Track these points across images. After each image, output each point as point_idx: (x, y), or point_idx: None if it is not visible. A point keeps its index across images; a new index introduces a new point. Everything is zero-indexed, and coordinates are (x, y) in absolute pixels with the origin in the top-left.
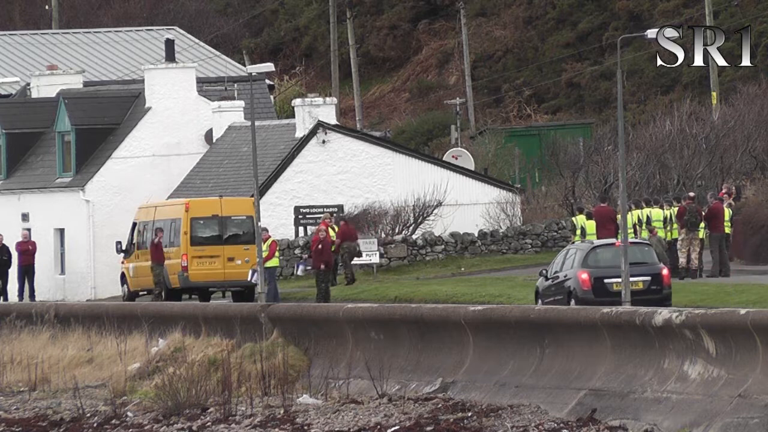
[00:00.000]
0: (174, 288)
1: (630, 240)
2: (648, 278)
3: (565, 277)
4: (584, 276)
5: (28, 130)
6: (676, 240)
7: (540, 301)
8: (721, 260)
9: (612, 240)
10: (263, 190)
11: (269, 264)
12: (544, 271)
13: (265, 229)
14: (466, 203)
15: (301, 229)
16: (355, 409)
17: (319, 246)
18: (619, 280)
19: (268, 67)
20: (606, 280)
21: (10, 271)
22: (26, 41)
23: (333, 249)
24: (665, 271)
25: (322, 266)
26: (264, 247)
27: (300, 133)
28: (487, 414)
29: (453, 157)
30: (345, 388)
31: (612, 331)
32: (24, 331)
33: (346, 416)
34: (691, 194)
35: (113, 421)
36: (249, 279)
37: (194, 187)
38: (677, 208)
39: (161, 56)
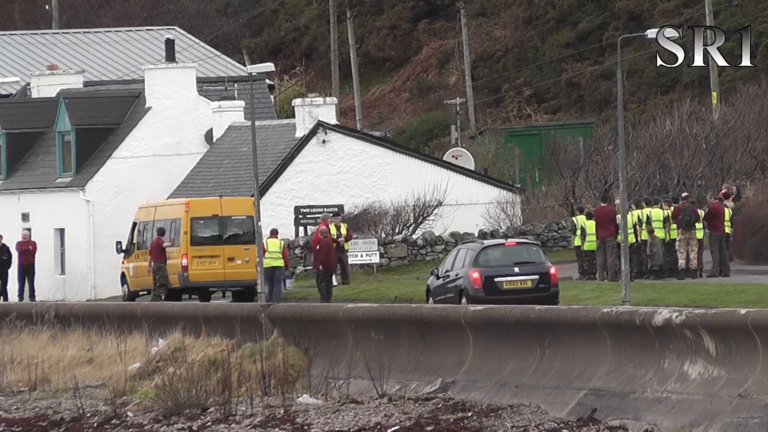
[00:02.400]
0: (174, 288)
1: (518, 240)
2: (536, 277)
3: (456, 276)
4: (475, 275)
5: (28, 130)
6: (675, 240)
7: (431, 300)
8: (721, 260)
9: (502, 240)
10: (263, 190)
11: (276, 264)
12: (435, 270)
13: (275, 231)
14: (466, 203)
15: (301, 229)
16: (355, 409)
17: (317, 247)
18: (509, 278)
19: (268, 67)
20: (496, 279)
21: (10, 271)
22: (26, 41)
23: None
24: (553, 270)
25: (320, 267)
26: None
27: (300, 133)
28: (487, 414)
29: (453, 157)
30: (345, 388)
31: (612, 331)
32: (24, 331)
33: (346, 416)
34: (684, 194)
35: (113, 421)
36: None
37: (194, 187)
38: (673, 209)
39: (161, 56)
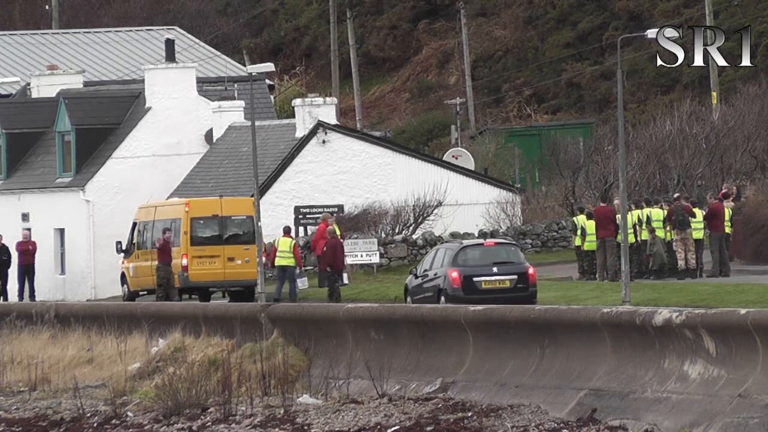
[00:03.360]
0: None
1: (496, 240)
2: (515, 277)
3: (435, 275)
4: (454, 274)
5: (28, 130)
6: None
7: (409, 299)
8: (721, 260)
9: (480, 240)
10: (263, 190)
11: (285, 263)
12: (414, 270)
13: (288, 229)
14: (466, 203)
15: (301, 229)
16: (355, 409)
17: (324, 248)
18: (488, 278)
19: (268, 67)
20: (475, 279)
21: (10, 271)
22: (26, 41)
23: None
24: (531, 270)
25: (327, 268)
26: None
27: (300, 133)
28: (487, 414)
29: (453, 157)
30: (345, 388)
31: (612, 331)
32: (24, 331)
33: (346, 416)
34: (677, 194)
35: (113, 421)
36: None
37: (194, 187)
38: (667, 210)
39: (161, 56)
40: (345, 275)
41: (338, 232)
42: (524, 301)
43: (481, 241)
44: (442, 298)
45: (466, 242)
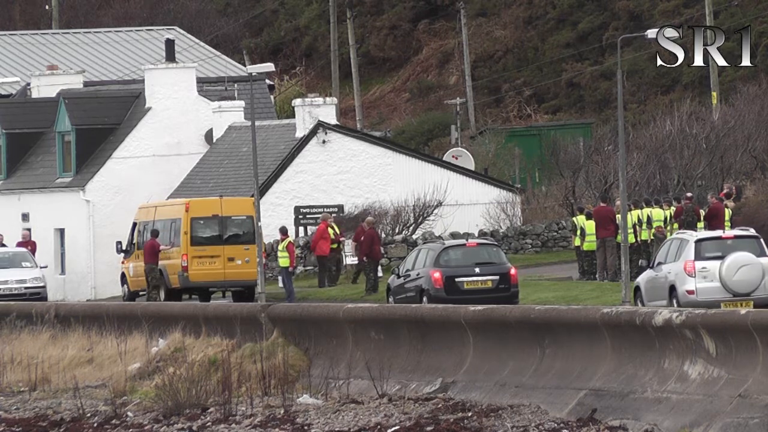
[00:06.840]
0: (174, 288)
1: (478, 240)
2: (497, 277)
3: (417, 275)
4: (437, 275)
5: (28, 130)
6: None
7: (392, 298)
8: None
9: (462, 240)
10: (263, 190)
11: (286, 264)
12: (396, 270)
13: (285, 229)
14: (466, 203)
15: (301, 229)
16: (355, 409)
17: (361, 239)
18: (470, 278)
19: (268, 67)
20: (457, 279)
21: None
22: (26, 41)
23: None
24: (513, 271)
25: (365, 258)
26: (281, 247)
27: (300, 133)
28: (487, 414)
29: (453, 157)
30: (345, 388)
31: (612, 331)
32: (24, 331)
33: (346, 416)
34: (689, 194)
35: (113, 421)
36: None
37: (194, 187)
38: (675, 208)
39: (161, 56)
40: (380, 268)
41: (337, 231)
42: (506, 302)
43: (463, 241)
44: (425, 299)
45: (448, 243)
